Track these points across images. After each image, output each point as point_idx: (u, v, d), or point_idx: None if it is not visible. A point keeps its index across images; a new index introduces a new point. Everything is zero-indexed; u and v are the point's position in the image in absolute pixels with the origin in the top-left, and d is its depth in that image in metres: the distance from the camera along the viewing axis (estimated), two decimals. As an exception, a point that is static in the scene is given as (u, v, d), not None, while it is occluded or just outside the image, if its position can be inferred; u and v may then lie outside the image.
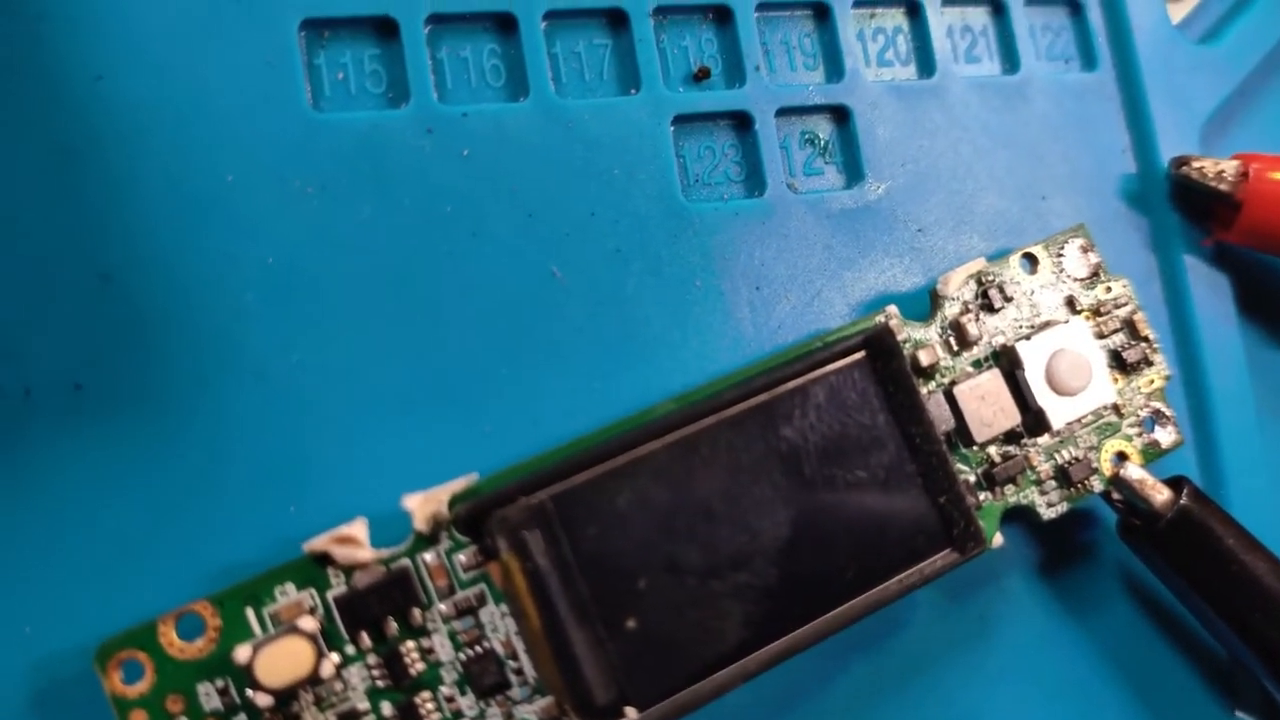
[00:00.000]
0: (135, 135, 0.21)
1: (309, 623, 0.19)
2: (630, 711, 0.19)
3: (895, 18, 0.26)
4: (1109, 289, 0.24)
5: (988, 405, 0.23)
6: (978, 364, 0.23)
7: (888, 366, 0.22)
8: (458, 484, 0.20)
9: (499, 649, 0.20)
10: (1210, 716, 0.26)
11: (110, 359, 0.20)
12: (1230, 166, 0.27)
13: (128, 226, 0.21)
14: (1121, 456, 0.24)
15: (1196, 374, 0.27)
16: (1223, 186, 0.26)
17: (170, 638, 0.18)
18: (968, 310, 0.23)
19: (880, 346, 0.22)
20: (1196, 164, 0.27)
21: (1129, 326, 0.24)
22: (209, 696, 0.18)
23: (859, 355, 0.22)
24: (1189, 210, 0.27)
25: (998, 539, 0.22)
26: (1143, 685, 0.25)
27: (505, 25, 0.23)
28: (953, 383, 0.23)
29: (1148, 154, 0.27)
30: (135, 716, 0.18)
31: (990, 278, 0.24)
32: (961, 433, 0.22)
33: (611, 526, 0.20)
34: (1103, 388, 0.23)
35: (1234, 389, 0.27)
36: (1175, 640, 0.26)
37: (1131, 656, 0.25)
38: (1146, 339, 0.24)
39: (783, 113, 0.25)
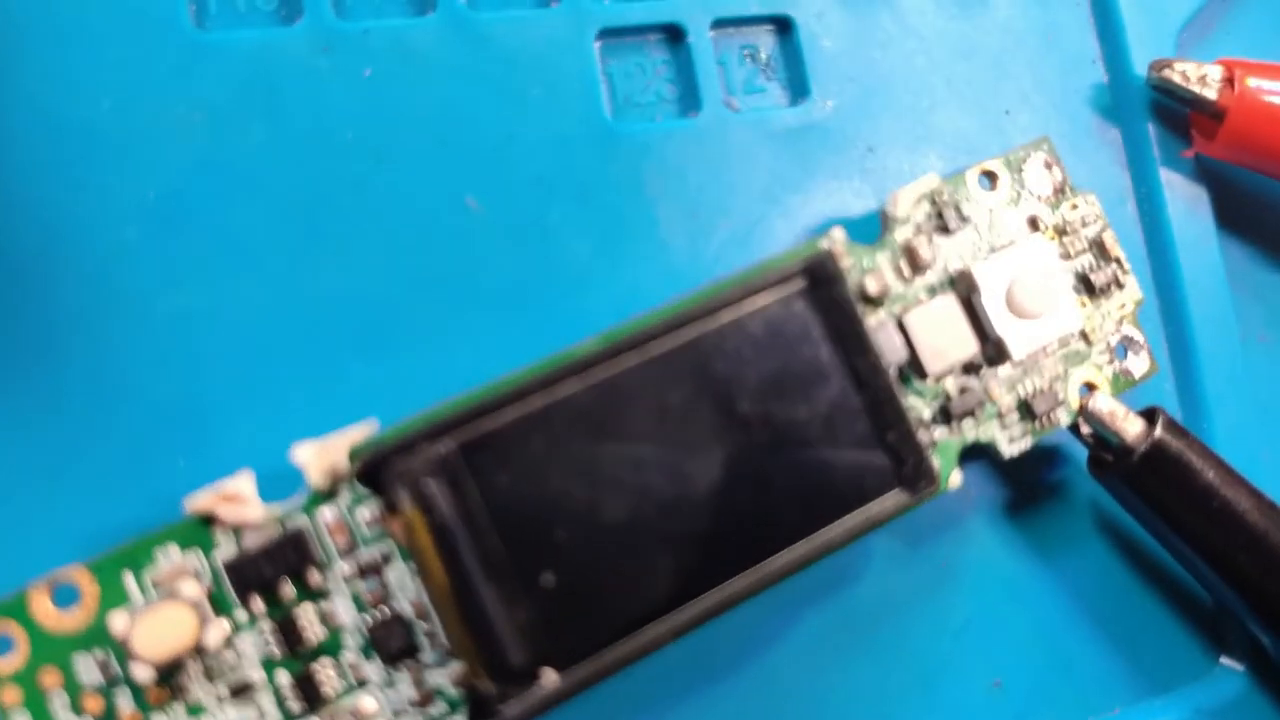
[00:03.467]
0: (1, 57, 0.19)
1: (191, 587, 0.17)
2: (548, 673, 0.18)
3: (842, -81, 0.24)
4: (1075, 206, 0.23)
5: (942, 334, 0.21)
6: (932, 290, 0.21)
7: (829, 295, 0.20)
8: (355, 433, 0.18)
9: (408, 610, 0.18)
10: (1194, 665, 0.25)
11: (-21, 306, 0.19)
12: (1214, 71, 0.25)
13: (-4, 162, 0.19)
14: (1090, 387, 0.22)
15: (1174, 299, 0.25)
16: (1206, 92, 0.25)
17: (45, 607, 0.17)
18: (920, 232, 0.21)
19: (821, 273, 0.20)
20: (1179, 67, 0.25)
21: (1097, 246, 0.23)
22: (87, 670, 0.17)
23: (798, 283, 0.20)
24: (1167, 121, 0.26)
25: (955, 478, 0.21)
26: (1120, 633, 0.24)
27: (409, -69, 0.22)
28: (904, 310, 0.21)
29: (1119, 63, 0.26)
30: (7, 693, 0.17)
31: (945, 196, 0.22)
32: (914, 364, 0.21)
33: (525, 475, 0.18)
34: (1068, 313, 0.21)
35: (1215, 314, 0.25)
36: (1154, 584, 0.25)
37: (1107, 603, 0.24)
38: (1117, 260, 0.23)
39: (719, 24, 0.23)
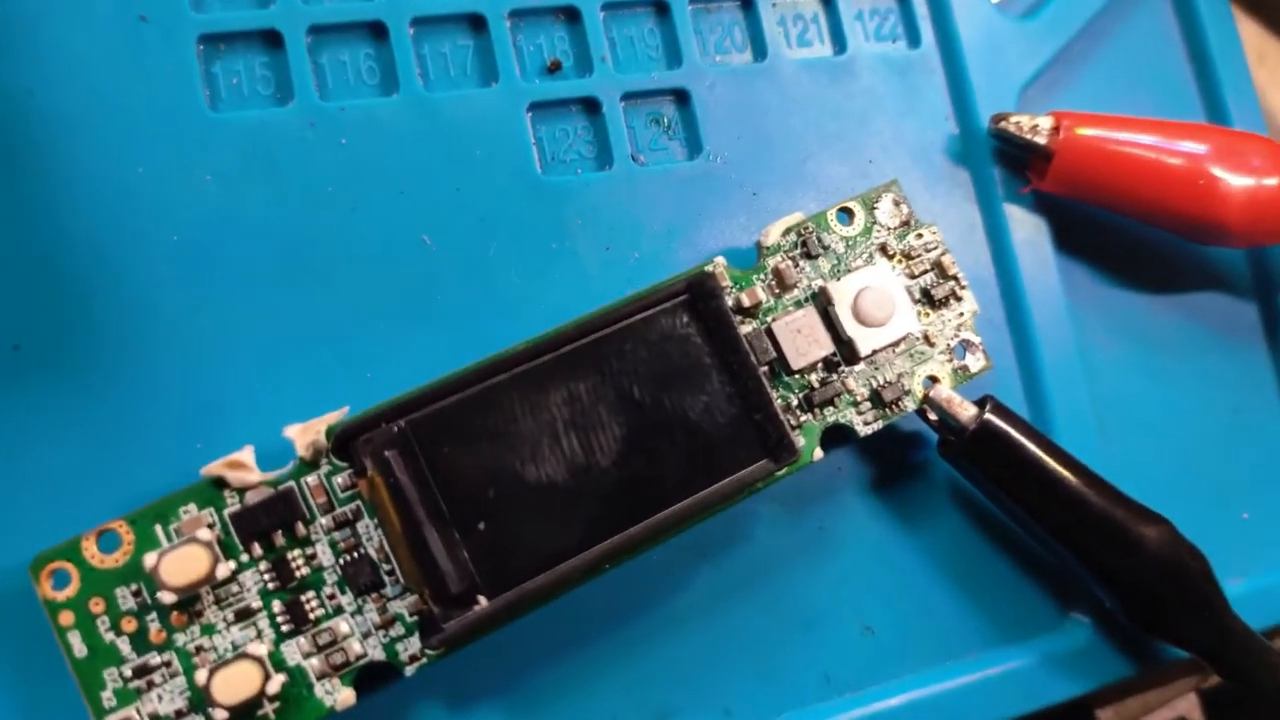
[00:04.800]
0: (62, 138, 0.25)
1: (205, 533, 0.22)
2: (481, 599, 0.22)
3: (731, 11, 0.30)
4: (920, 235, 0.28)
5: (803, 337, 0.26)
6: (799, 304, 0.26)
7: (708, 306, 0.25)
8: (331, 416, 0.23)
9: (373, 554, 0.23)
10: (1045, 617, 0.29)
11: (45, 324, 0.24)
12: (1044, 122, 0.30)
13: (58, 213, 0.24)
14: (933, 380, 0.27)
15: (1019, 311, 0.30)
16: (1037, 139, 0.30)
17: (92, 550, 0.22)
18: (787, 258, 0.27)
19: (701, 289, 0.25)
20: (1014, 119, 0.30)
21: (938, 267, 0.28)
22: (125, 599, 0.22)
23: (682, 297, 0.25)
24: (1007, 164, 0.31)
25: (818, 453, 0.26)
26: (976, 588, 0.29)
27: (378, 32, 0.27)
28: (773, 320, 0.26)
29: (968, 118, 0.31)
30: (64, 616, 0.22)
31: (809, 229, 0.27)
32: (782, 362, 0.26)
33: (463, 446, 0.23)
34: (906, 319, 0.26)
35: (1053, 322, 0.30)
36: (1008, 547, 0.29)
37: (964, 562, 0.29)
38: (954, 277, 0.28)
39: (628, 97, 0.29)
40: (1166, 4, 0.34)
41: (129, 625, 0.22)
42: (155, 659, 0.22)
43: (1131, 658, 0.29)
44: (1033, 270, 0.30)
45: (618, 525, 0.24)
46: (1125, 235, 0.32)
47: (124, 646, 0.22)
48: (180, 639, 0.22)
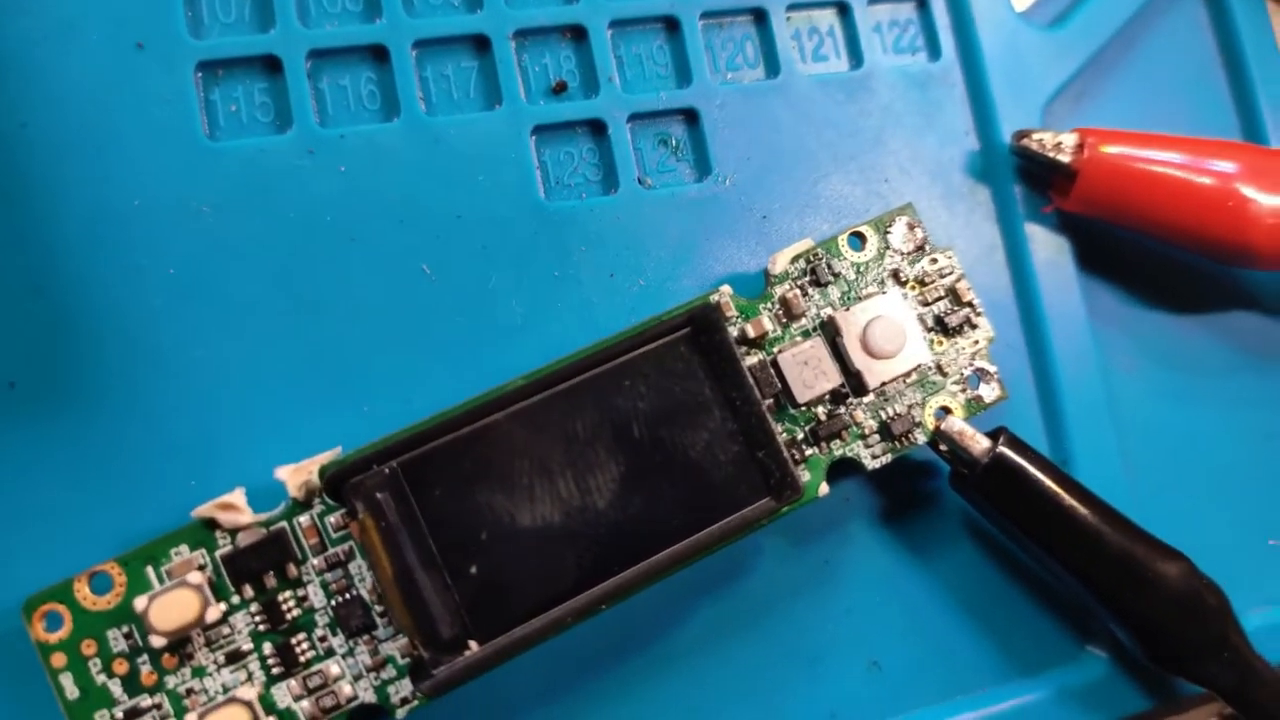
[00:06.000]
0: (57, 169, 0.25)
1: (196, 576, 0.22)
2: (472, 644, 0.22)
3: (743, 25, 0.29)
4: (935, 260, 0.27)
5: (810, 369, 0.25)
6: (806, 334, 0.26)
7: (710, 339, 0.24)
8: (324, 457, 0.23)
9: (365, 596, 0.23)
10: (1061, 652, 0.28)
11: (40, 359, 0.24)
12: (1068, 139, 0.29)
13: (54, 246, 0.24)
14: (946, 411, 0.26)
15: (1039, 335, 0.29)
16: (1061, 157, 0.29)
17: (84, 592, 0.22)
18: (795, 286, 0.26)
19: (703, 322, 0.24)
20: (1036, 136, 0.29)
21: (952, 294, 0.27)
22: (116, 640, 0.22)
23: (683, 330, 0.24)
24: (1029, 181, 0.30)
25: (824, 488, 0.25)
26: (990, 622, 0.28)
27: (379, 55, 0.27)
28: (779, 350, 0.25)
29: (990, 134, 0.30)
30: (56, 658, 0.22)
31: (819, 256, 0.26)
32: (787, 394, 0.25)
33: (455, 488, 0.23)
34: (918, 350, 0.26)
35: (1075, 346, 0.29)
36: (1023, 580, 0.28)
37: (977, 595, 0.28)
38: (970, 304, 0.27)
39: (635, 117, 0.28)
40: (1200, 11, 0.32)
41: (120, 667, 0.22)
42: (146, 701, 0.22)
43: (1150, 692, 0.28)
44: (1054, 292, 0.29)
45: (614, 568, 0.23)
46: (1151, 255, 0.31)
47: (115, 688, 0.22)
48: (171, 681, 0.22)
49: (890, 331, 0.25)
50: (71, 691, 0.22)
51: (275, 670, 0.23)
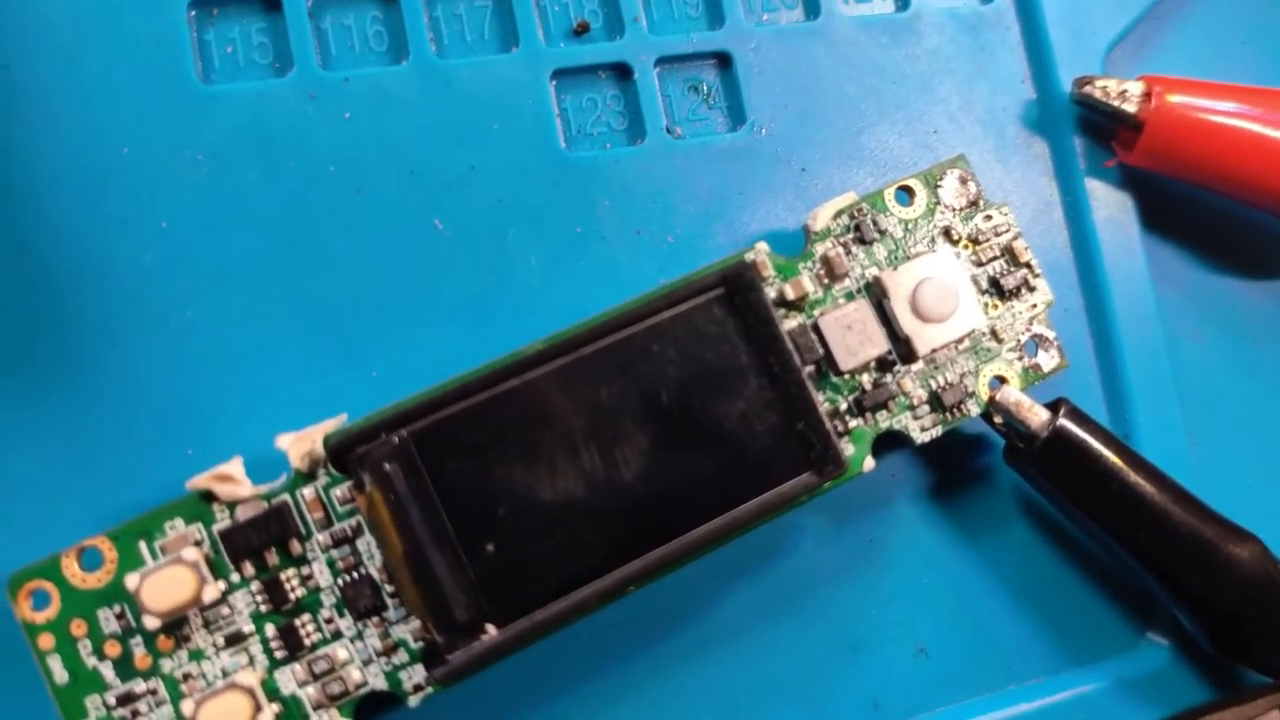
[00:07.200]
0: (40, 116, 0.23)
1: (191, 553, 0.20)
2: (490, 628, 0.21)
3: (782, -39, 0.27)
4: (989, 217, 0.25)
5: (854, 334, 0.23)
6: (850, 296, 0.24)
7: (746, 301, 0.22)
8: (328, 424, 0.21)
9: (375, 574, 0.21)
10: (1120, 640, 0.27)
11: (22, 320, 0.22)
12: (1134, 87, 0.27)
13: (38, 199, 0.23)
14: (1001, 380, 0.24)
15: (1100, 299, 0.27)
16: (1126, 106, 0.27)
17: (73, 569, 0.21)
18: (838, 244, 0.24)
19: (738, 282, 0.22)
20: (1100, 84, 0.27)
21: (1008, 253, 0.25)
22: (108, 621, 0.20)
23: (716, 291, 0.22)
24: (1090, 133, 0.28)
25: (869, 463, 0.23)
26: (1044, 607, 0.26)
27: (387, -9, 0.25)
28: (821, 314, 0.23)
29: (1047, 81, 0.28)
30: (43, 639, 0.20)
31: (863, 211, 0.24)
32: (830, 361, 0.23)
33: (470, 459, 0.21)
34: (971, 314, 0.24)
35: (1139, 312, 0.27)
36: (1080, 562, 0.26)
37: (1031, 578, 0.26)
38: (1027, 265, 0.25)
39: (663, 61, 0.26)
40: (1275, -51, 0.30)
41: (112, 650, 0.21)
42: (140, 686, 0.21)
43: (1213, 682, 0.27)
44: (1116, 254, 0.27)
45: (641, 546, 0.22)
46: (1220, 215, 0.29)
47: (107, 672, 0.21)
48: (167, 665, 0.21)
49: (941, 293, 0.24)
50: (60, 675, 0.20)
51: (278, 654, 0.21)
